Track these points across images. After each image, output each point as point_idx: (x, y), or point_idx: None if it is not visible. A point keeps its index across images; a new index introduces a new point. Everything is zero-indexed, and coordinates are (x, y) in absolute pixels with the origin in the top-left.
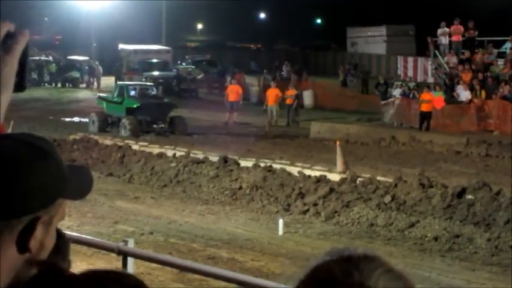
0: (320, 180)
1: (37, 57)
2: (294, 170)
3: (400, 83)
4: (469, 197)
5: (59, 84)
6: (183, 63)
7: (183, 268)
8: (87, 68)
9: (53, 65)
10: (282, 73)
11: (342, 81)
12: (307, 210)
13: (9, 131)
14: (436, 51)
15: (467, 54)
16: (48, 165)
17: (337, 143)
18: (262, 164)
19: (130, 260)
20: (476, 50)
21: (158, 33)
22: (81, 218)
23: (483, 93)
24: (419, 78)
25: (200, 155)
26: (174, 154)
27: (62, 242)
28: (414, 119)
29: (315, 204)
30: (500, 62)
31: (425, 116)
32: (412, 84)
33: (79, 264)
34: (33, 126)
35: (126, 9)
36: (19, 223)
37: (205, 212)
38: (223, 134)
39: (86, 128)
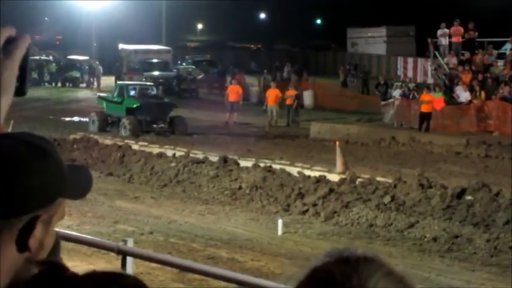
0: (320, 180)
1: (37, 57)
2: (294, 170)
3: (400, 83)
4: (469, 197)
5: (59, 84)
6: (183, 63)
7: (182, 268)
8: (87, 67)
9: (53, 64)
10: (283, 73)
11: (342, 82)
12: (307, 210)
13: (9, 130)
14: (436, 52)
15: (467, 55)
16: (48, 164)
17: (337, 143)
18: (262, 164)
19: (129, 260)
20: (476, 51)
21: (158, 33)
22: (81, 218)
23: (483, 94)
24: (419, 79)
25: (200, 155)
26: (174, 154)
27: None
28: (414, 119)
29: (315, 205)
30: (500, 63)
31: (425, 117)
32: (412, 85)
33: (79, 263)
34: (34, 125)
35: (126, 9)
36: (19, 222)
37: (205, 212)
38: (223, 134)
39: (86, 128)
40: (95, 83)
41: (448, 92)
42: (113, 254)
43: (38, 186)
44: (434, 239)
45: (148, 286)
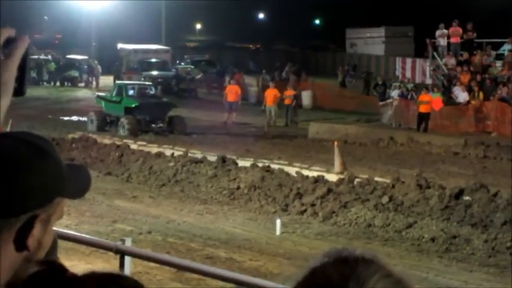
0: (318, 180)
1: (36, 56)
2: (292, 170)
3: (398, 84)
4: (467, 198)
5: (58, 83)
6: (182, 63)
7: (181, 267)
8: (86, 67)
9: (52, 64)
10: (282, 73)
11: (341, 82)
12: (305, 210)
13: (8, 129)
14: (435, 53)
15: (465, 55)
16: (47, 164)
17: (335, 143)
18: (260, 164)
19: (128, 259)
20: (474, 52)
21: (157, 33)
22: (80, 217)
23: (481, 94)
24: (418, 80)
25: (198, 155)
26: (173, 154)
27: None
28: (412, 120)
29: (313, 205)
30: (499, 63)
31: (423, 117)
32: (410, 86)
33: (77, 263)
34: (33, 125)
35: (125, 9)
36: (17, 221)
37: (204, 212)
38: (222, 134)
39: (85, 127)
40: (94, 83)
41: (447, 92)
42: (111, 253)
43: (37, 186)
44: (433, 240)
45: (146, 286)
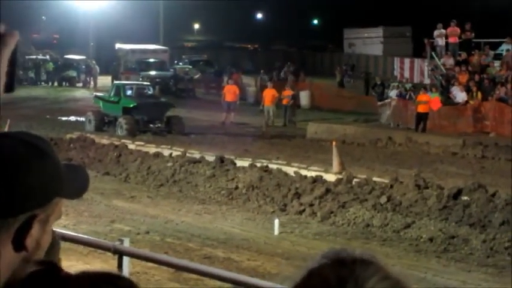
0: (316, 180)
1: (34, 56)
2: (290, 170)
3: (396, 84)
4: (465, 198)
5: (56, 83)
6: (180, 63)
7: (179, 267)
8: (84, 67)
9: (50, 63)
10: (280, 73)
11: (339, 82)
12: (303, 210)
13: (6, 129)
14: (433, 53)
15: (463, 55)
16: (45, 164)
17: (334, 143)
18: (258, 164)
19: (126, 259)
20: (472, 52)
21: (155, 33)
22: (78, 217)
23: (479, 94)
24: (416, 80)
25: (197, 155)
26: (171, 154)
27: (51, 240)
28: (411, 120)
29: (311, 205)
30: (497, 63)
31: (421, 117)
32: (408, 86)
33: (75, 263)
34: (31, 124)
35: (123, 8)
36: (16, 221)
37: (202, 212)
38: (221, 134)
39: (83, 127)
40: (92, 83)
41: (445, 92)
42: (109, 253)
43: (36, 186)
44: (431, 240)
45: (144, 287)
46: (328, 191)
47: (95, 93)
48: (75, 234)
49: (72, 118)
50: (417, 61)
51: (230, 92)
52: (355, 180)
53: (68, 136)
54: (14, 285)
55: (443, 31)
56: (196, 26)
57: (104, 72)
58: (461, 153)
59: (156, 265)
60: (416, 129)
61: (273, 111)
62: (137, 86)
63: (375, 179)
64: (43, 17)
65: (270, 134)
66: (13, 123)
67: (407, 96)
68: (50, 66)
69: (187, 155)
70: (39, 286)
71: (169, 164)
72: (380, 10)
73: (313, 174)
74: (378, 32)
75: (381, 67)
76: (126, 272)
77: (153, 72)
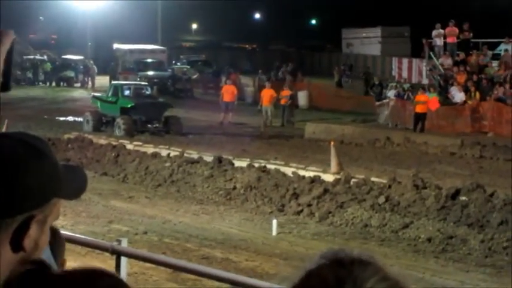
0: (314, 180)
1: (32, 56)
2: (289, 171)
3: (394, 84)
4: (463, 198)
5: (54, 84)
6: (178, 63)
7: (177, 268)
8: (82, 67)
9: (48, 64)
10: (278, 73)
11: (337, 82)
12: (301, 210)
13: (4, 130)
14: (431, 53)
15: (462, 55)
16: (43, 164)
17: (332, 143)
18: (256, 164)
19: (124, 260)
20: (471, 52)
21: (153, 33)
22: (76, 218)
23: (478, 94)
24: (414, 80)
25: (194, 155)
26: (169, 154)
27: (57, 241)
28: (409, 120)
29: (309, 205)
30: (495, 63)
31: (419, 117)
32: (406, 86)
33: (73, 263)
34: (29, 125)
35: (121, 9)
36: (14, 222)
37: (200, 212)
38: (219, 134)
39: (81, 128)
40: (90, 83)
41: (443, 92)
42: (107, 253)
43: (34, 187)
44: (429, 240)
45: (142, 287)
46: (326, 191)
47: (92, 94)
48: (73, 234)
49: (70, 118)
50: (415, 61)
51: (228, 92)
52: (353, 180)
53: (66, 136)
54: (11, 286)
55: (442, 31)
56: (194, 26)
57: (102, 72)
58: (460, 153)
59: (154, 265)
60: (414, 129)
61: (271, 111)
62: (135, 86)
63: (373, 179)
64: (41, 17)
65: (268, 134)
66: (11, 124)
67: (405, 96)
68: (48, 66)
69: (185, 155)
70: (26, 285)
71: (167, 164)
72: (378, 10)
73: (311, 174)
74: (376, 32)
75: (379, 67)
76: (124, 272)
77: (151, 73)
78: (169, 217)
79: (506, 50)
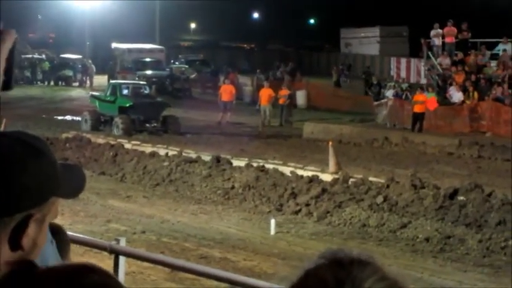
0: (312, 180)
1: (30, 55)
2: (287, 170)
3: (393, 84)
4: (461, 198)
5: (52, 83)
6: (177, 63)
7: (175, 267)
8: (80, 66)
9: (46, 63)
10: (276, 73)
11: (335, 82)
12: (300, 210)
13: (2, 129)
14: (429, 53)
15: (460, 55)
16: (42, 163)
17: (330, 143)
18: (254, 164)
19: (122, 259)
20: (469, 52)
21: (152, 32)
22: (74, 217)
23: (476, 94)
24: (412, 79)
25: (193, 155)
26: (167, 153)
27: (63, 240)
28: (407, 120)
29: (307, 205)
30: (493, 63)
31: (418, 117)
32: (405, 85)
33: None
34: (27, 124)
35: (120, 8)
36: (12, 221)
37: (198, 212)
38: (217, 134)
39: (79, 127)
40: (88, 82)
41: (441, 92)
42: (105, 253)
43: (32, 185)
44: (427, 240)
45: (140, 287)
46: (324, 190)
47: (91, 93)
48: (71, 233)
49: (68, 117)
50: (414, 61)
51: (226, 91)
52: (351, 180)
53: (64, 135)
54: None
55: (440, 31)
56: (193, 25)
57: (100, 71)
58: (458, 153)
59: (152, 265)
60: (412, 129)
61: (270, 110)
62: (133, 85)
63: (371, 179)
64: (39, 16)
65: (266, 133)
66: (9, 123)
67: (403, 96)
68: (46, 65)
69: (184, 154)
70: (14, 283)
71: (166, 164)
72: (377, 10)
73: (310, 174)
74: (375, 31)
75: (378, 67)
76: (122, 271)
77: (149, 72)
78: (167, 216)
79: (504, 50)
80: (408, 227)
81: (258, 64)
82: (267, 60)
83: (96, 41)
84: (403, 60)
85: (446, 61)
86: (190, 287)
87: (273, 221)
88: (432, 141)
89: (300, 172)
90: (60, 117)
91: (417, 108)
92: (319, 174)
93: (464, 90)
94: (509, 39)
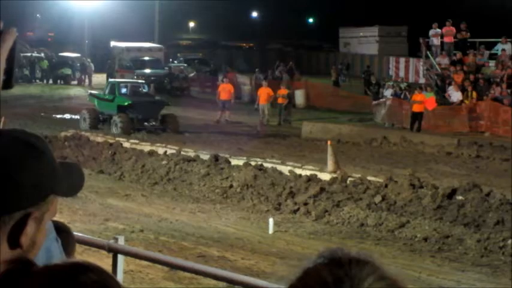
0: (311, 179)
1: (29, 54)
2: (285, 169)
3: (391, 83)
4: (460, 198)
5: (51, 81)
6: (175, 62)
7: (173, 266)
8: (79, 65)
9: (45, 61)
10: (275, 72)
11: (334, 81)
12: (298, 209)
13: (0, 127)
14: (428, 52)
15: (459, 55)
16: (40, 162)
17: (329, 142)
18: (253, 163)
19: (120, 258)
20: (468, 52)
21: (151, 31)
22: (72, 215)
23: (474, 94)
24: (411, 79)
25: (191, 153)
26: (165, 152)
27: (69, 239)
28: (406, 119)
29: (306, 204)
30: (492, 63)
31: (416, 117)
32: (403, 85)
33: None
34: (25, 122)
35: (118, 7)
36: (11, 219)
37: (196, 210)
38: (215, 133)
39: (78, 125)
40: (87, 81)
41: (440, 92)
42: (103, 251)
43: (31, 184)
44: (425, 239)
45: (139, 286)
46: (322, 190)
47: (89, 91)
48: None
49: (67, 116)
50: (412, 60)
51: (225, 90)
52: (349, 179)
53: (63, 134)
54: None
55: (439, 31)
56: (192, 24)
57: (99, 70)
58: (456, 153)
59: (150, 263)
60: (411, 129)
61: (268, 110)
62: (132, 84)
63: (369, 178)
64: (38, 15)
65: (264, 132)
66: (7, 121)
67: (402, 96)
68: (45, 64)
69: (182, 153)
70: (8, 283)
71: (164, 163)
72: (375, 9)
73: (308, 173)
74: (374, 31)
75: (376, 66)
76: (120, 270)
77: (148, 71)
78: (165, 215)
79: (503, 50)
80: (406, 227)
81: (257, 63)
82: (265, 59)
83: (95, 40)
84: (402, 60)
85: (445, 61)
86: (189, 286)
87: (271, 220)
88: (431, 140)
89: (298, 171)
90: (58, 116)
91: (416, 108)
92: (317, 173)
93: (463, 90)
94: (508, 39)
